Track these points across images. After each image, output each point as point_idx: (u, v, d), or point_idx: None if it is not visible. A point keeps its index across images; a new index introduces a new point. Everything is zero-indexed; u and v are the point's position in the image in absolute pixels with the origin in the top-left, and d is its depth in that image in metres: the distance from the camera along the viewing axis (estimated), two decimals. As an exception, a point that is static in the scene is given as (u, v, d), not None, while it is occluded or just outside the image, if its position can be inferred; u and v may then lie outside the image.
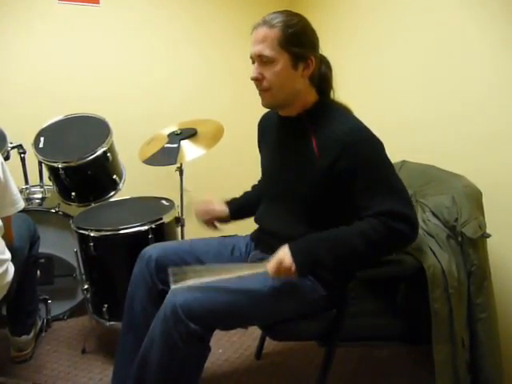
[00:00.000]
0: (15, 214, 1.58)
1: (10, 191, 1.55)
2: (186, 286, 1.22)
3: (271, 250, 1.37)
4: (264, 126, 1.57)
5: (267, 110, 1.51)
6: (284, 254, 1.22)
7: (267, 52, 1.26)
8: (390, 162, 1.30)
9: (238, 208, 1.62)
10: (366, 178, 1.24)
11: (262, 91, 1.32)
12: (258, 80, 1.30)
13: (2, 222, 1.55)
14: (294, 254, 1.21)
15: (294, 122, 1.37)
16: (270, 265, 1.22)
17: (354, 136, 1.26)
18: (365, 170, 1.24)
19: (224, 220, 1.61)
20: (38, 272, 1.99)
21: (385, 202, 1.22)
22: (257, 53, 1.28)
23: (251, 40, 1.31)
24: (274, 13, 1.30)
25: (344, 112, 1.34)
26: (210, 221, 1.61)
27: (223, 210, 1.60)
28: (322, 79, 1.37)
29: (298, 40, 1.27)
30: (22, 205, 1.60)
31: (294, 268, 1.20)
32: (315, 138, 1.30)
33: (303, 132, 1.34)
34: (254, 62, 1.32)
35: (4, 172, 1.51)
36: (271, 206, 1.46)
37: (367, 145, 1.27)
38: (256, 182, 1.72)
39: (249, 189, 1.71)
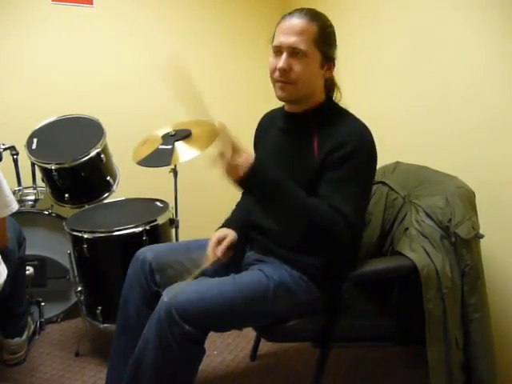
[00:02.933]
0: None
1: (3, 193, 1.53)
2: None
3: (266, 250, 1.37)
4: (266, 123, 1.57)
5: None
6: (247, 158, 1.14)
7: (303, 46, 1.25)
8: (373, 174, 1.33)
9: (242, 224, 1.53)
10: (345, 173, 1.24)
11: (286, 83, 1.29)
12: (285, 71, 1.27)
13: None
14: (254, 166, 1.14)
15: (300, 119, 1.37)
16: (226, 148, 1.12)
17: (356, 135, 1.27)
18: (350, 165, 1.24)
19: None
20: (32, 272, 1.98)
21: (349, 204, 1.21)
22: (291, 44, 1.25)
23: (281, 29, 1.28)
24: (308, 9, 1.29)
25: (350, 115, 1.35)
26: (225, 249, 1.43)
27: (231, 233, 1.47)
28: (332, 82, 1.39)
29: (330, 41, 1.32)
30: (15, 206, 1.59)
31: (241, 171, 1.13)
32: (317, 138, 1.31)
33: (307, 130, 1.34)
34: (278, 52, 1.28)
35: None
36: None
37: (365, 145, 1.28)
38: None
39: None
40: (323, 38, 1.29)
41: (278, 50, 1.29)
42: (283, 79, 1.29)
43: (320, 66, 1.31)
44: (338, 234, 1.20)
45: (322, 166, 1.27)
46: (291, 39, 1.25)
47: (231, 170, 1.13)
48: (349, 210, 1.21)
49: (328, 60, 1.32)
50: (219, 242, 1.44)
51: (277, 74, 1.29)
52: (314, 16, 1.28)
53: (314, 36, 1.26)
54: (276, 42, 1.29)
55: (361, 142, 1.27)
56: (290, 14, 1.30)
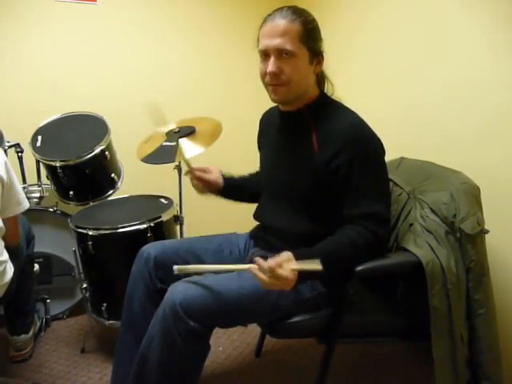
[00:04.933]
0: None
1: (16, 191, 1.55)
2: (187, 270, 1.26)
3: (271, 247, 1.37)
4: (265, 122, 1.58)
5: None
6: (291, 279, 1.13)
7: (289, 46, 1.24)
8: (385, 163, 1.33)
9: (232, 186, 1.61)
10: (361, 176, 1.26)
11: (278, 85, 1.29)
12: (275, 74, 1.26)
13: (8, 221, 1.54)
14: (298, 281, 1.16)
15: (295, 117, 1.37)
16: (268, 282, 1.13)
17: (356, 132, 1.27)
18: (361, 167, 1.25)
19: (213, 189, 1.59)
20: (38, 269, 1.99)
21: (374, 204, 1.26)
22: (277, 46, 1.24)
23: (264, 32, 1.28)
24: (287, 7, 1.28)
25: (345, 108, 1.35)
26: (201, 181, 1.57)
27: (219, 179, 1.58)
28: (322, 75, 1.39)
29: (314, 36, 1.30)
30: (27, 204, 1.61)
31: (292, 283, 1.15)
32: (316, 134, 1.31)
33: (304, 127, 1.34)
34: (266, 56, 1.28)
35: (8, 172, 1.51)
36: (272, 203, 1.46)
37: (367, 142, 1.28)
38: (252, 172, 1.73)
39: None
40: (307, 34, 1.27)
41: (264, 54, 1.28)
42: (275, 82, 1.29)
43: (309, 62, 1.30)
44: (383, 240, 1.28)
45: (328, 167, 1.27)
46: (276, 41, 1.24)
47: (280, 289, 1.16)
48: (379, 207, 1.26)
49: (316, 55, 1.31)
50: (204, 170, 1.57)
51: (267, 78, 1.29)
52: (296, 13, 1.27)
53: (298, 34, 1.25)
54: (261, 46, 1.28)
55: (363, 138, 1.28)
56: (270, 15, 1.29)
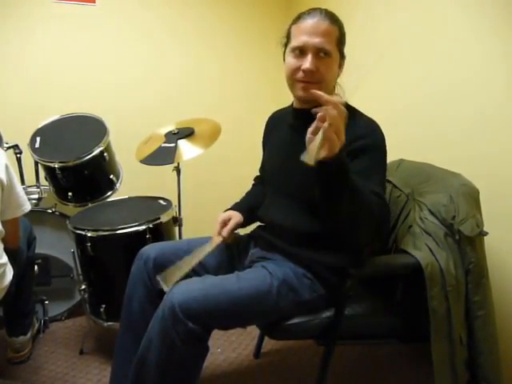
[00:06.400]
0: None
1: (16, 193, 1.55)
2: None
3: (272, 247, 1.37)
4: (273, 124, 1.58)
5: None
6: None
7: (328, 47, 1.26)
8: (386, 164, 1.33)
9: (249, 210, 1.56)
10: (370, 162, 1.25)
11: (310, 83, 1.29)
12: (311, 72, 1.27)
13: (8, 224, 1.54)
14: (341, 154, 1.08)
15: (310, 115, 1.36)
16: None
17: (373, 129, 1.30)
18: (369, 154, 1.25)
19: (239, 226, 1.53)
20: (36, 270, 1.99)
21: (377, 186, 1.23)
22: (317, 45, 1.25)
23: (302, 29, 1.28)
24: (325, 10, 1.30)
25: (358, 111, 1.36)
26: (230, 230, 1.48)
27: (236, 215, 1.52)
28: None
29: (344, 41, 1.34)
30: (28, 207, 1.60)
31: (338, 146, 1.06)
32: None
33: None
34: (301, 52, 1.28)
35: (9, 174, 1.51)
36: (280, 202, 1.44)
37: (376, 136, 1.30)
38: (255, 178, 1.72)
39: (246, 186, 1.71)
40: (341, 38, 1.31)
41: (300, 50, 1.28)
42: (308, 79, 1.29)
43: (339, 65, 1.33)
44: (385, 218, 1.28)
45: None
46: (317, 39, 1.25)
47: (334, 139, 1.05)
48: (383, 193, 1.25)
49: (343, 59, 1.35)
50: (224, 223, 1.48)
51: (300, 74, 1.29)
52: (334, 17, 1.30)
53: (336, 37, 1.29)
54: (299, 42, 1.28)
55: (378, 135, 1.30)
56: (308, 14, 1.29)
